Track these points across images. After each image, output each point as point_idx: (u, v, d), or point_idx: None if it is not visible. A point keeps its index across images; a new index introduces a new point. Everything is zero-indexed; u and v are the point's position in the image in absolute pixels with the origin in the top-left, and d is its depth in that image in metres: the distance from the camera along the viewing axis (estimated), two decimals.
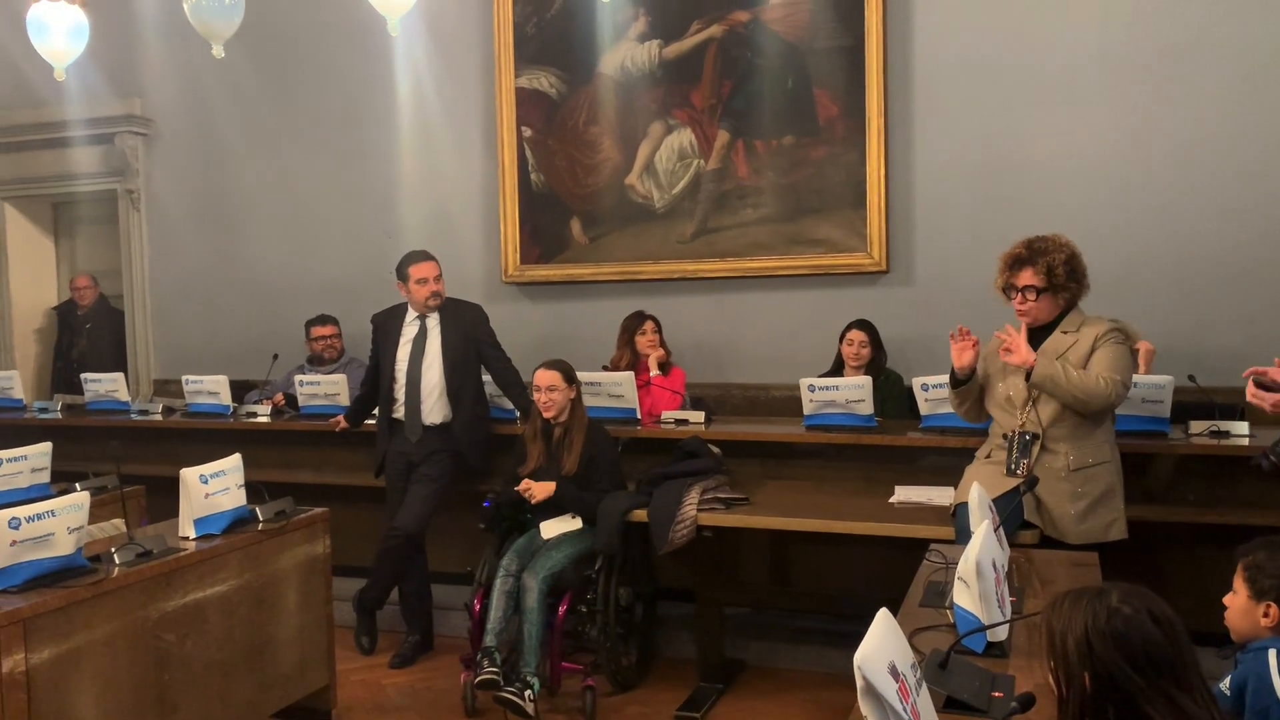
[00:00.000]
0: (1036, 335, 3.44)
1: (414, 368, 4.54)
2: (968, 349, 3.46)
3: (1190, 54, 4.76)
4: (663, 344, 5.11)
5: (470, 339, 4.61)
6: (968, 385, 3.53)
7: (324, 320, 5.80)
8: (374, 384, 4.73)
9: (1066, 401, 3.31)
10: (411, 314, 4.62)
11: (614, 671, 4.11)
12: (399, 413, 4.58)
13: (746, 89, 5.44)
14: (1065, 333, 3.40)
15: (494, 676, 3.73)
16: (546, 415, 4.17)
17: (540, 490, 4.06)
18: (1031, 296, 3.36)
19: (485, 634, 3.86)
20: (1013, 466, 3.36)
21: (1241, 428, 3.99)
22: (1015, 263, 3.39)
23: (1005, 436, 3.42)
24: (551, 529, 4.09)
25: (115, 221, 7.02)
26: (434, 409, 4.55)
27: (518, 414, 4.74)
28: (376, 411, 4.74)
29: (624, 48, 5.65)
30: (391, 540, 4.46)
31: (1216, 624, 2.24)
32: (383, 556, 4.50)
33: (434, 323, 4.59)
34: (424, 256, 4.59)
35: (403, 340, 4.59)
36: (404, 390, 4.55)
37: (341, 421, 4.94)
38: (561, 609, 3.93)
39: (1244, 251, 4.71)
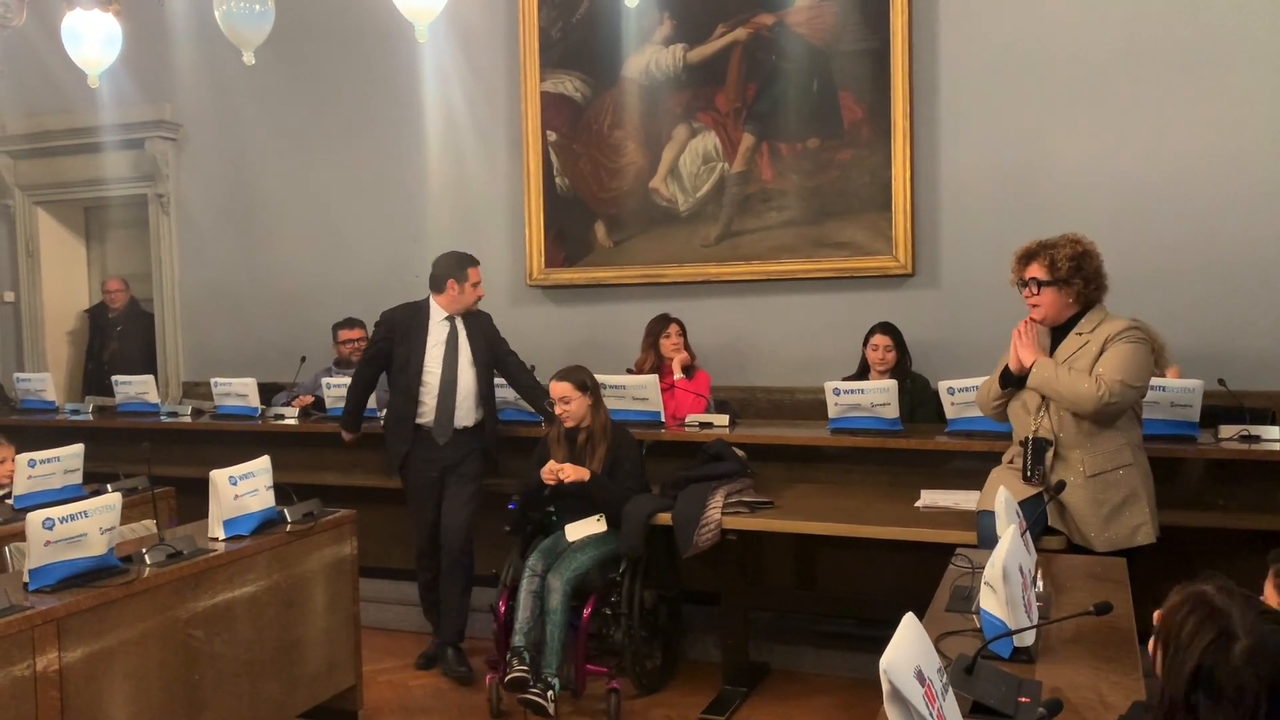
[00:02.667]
0: (1056, 337, 3.40)
1: (449, 370, 4.49)
2: (1033, 347, 3.38)
3: (1217, 56, 4.72)
4: (687, 347, 5.11)
5: (492, 344, 4.62)
6: (1015, 386, 3.44)
7: (351, 324, 5.84)
8: (371, 383, 4.68)
9: (1060, 403, 3.27)
10: (439, 315, 4.55)
11: (638, 674, 4.11)
12: (425, 416, 4.51)
13: (771, 92, 5.44)
14: (1079, 334, 3.35)
15: (524, 675, 3.74)
16: (566, 425, 4.18)
17: (573, 471, 4.05)
18: (1034, 289, 3.34)
19: (513, 634, 3.87)
20: (1028, 474, 3.32)
21: (1273, 432, 3.95)
22: (1025, 256, 3.39)
23: (1021, 443, 3.39)
24: (576, 531, 4.10)
25: (145, 226, 7.11)
26: (468, 412, 4.53)
27: (543, 419, 4.75)
28: (380, 410, 4.63)
29: (648, 51, 5.67)
30: (451, 558, 4.44)
31: None
32: (450, 573, 4.45)
33: (461, 325, 4.56)
34: (475, 259, 4.59)
35: (431, 341, 4.51)
36: (436, 393, 4.49)
37: (347, 435, 4.83)
38: (586, 611, 3.94)
39: (1274, 254, 4.66)
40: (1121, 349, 3.25)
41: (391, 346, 4.58)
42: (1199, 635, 1.49)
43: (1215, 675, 1.45)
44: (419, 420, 4.52)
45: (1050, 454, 3.30)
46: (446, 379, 4.50)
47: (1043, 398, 3.33)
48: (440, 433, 4.50)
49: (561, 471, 4.05)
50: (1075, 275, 3.30)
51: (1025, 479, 3.32)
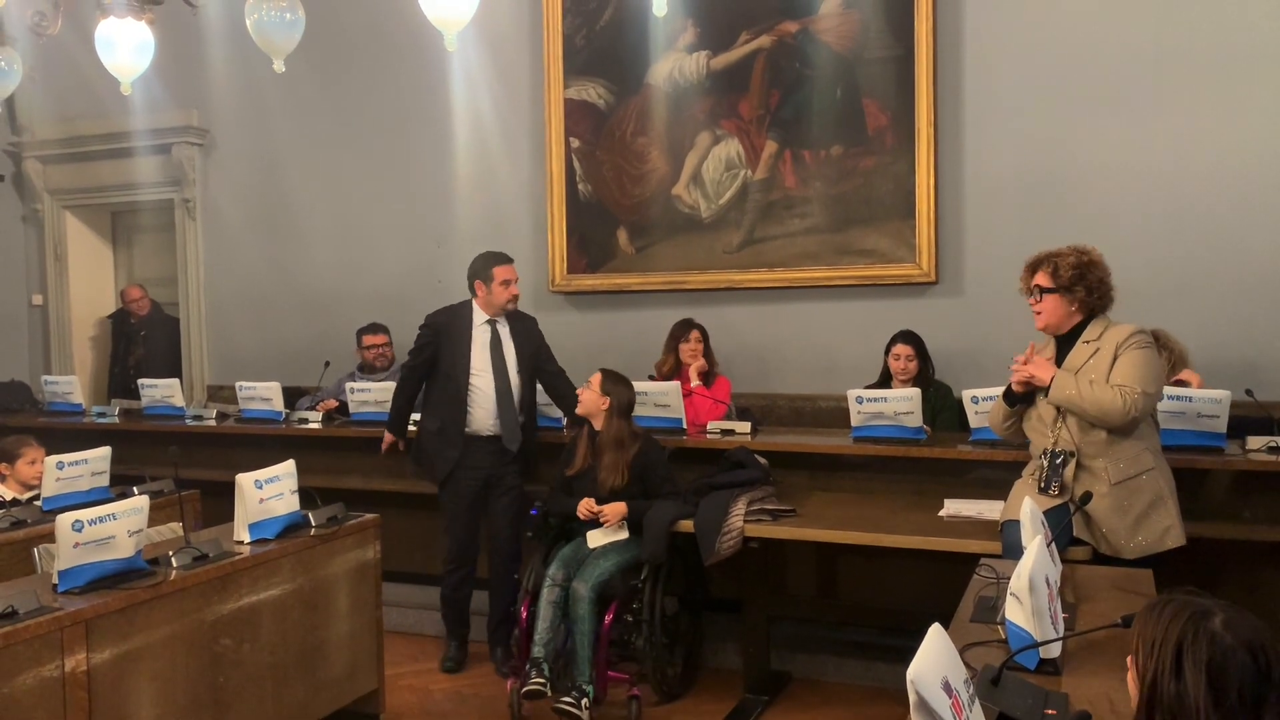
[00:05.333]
0: (1062, 347, 3.42)
1: (500, 376, 4.45)
2: (1045, 364, 3.40)
3: (1244, 63, 4.69)
4: (707, 354, 5.10)
5: (534, 351, 4.60)
6: (1023, 403, 3.48)
7: (375, 329, 5.87)
8: (417, 388, 4.64)
9: (1086, 418, 3.27)
10: (481, 317, 4.51)
11: (659, 681, 4.11)
12: (482, 425, 4.45)
13: (795, 99, 5.44)
14: (1087, 342, 3.36)
15: (541, 687, 3.76)
16: (576, 411, 4.22)
17: (613, 513, 4.07)
18: (1038, 296, 3.40)
19: (533, 645, 3.89)
20: (1043, 486, 3.32)
21: None
22: (1032, 265, 3.46)
23: (1039, 456, 3.38)
24: (598, 538, 4.10)
25: (172, 230, 7.17)
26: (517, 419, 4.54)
27: (564, 424, 4.78)
28: (424, 417, 4.64)
29: (672, 58, 5.68)
30: (494, 572, 4.49)
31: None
32: (500, 587, 4.51)
33: (504, 330, 4.53)
34: (507, 258, 4.53)
35: (476, 346, 4.47)
36: (494, 399, 4.44)
37: (389, 437, 4.79)
38: (608, 618, 3.94)
39: None
40: (1135, 356, 3.27)
41: (436, 351, 4.53)
42: (1176, 619, 1.54)
43: (1198, 643, 1.50)
44: (467, 430, 4.46)
45: (1072, 466, 3.30)
46: (501, 386, 4.45)
47: (1058, 410, 3.34)
48: (510, 440, 4.46)
49: (601, 515, 4.07)
50: (1078, 283, 3.35)
51: (1042, 490, 3.31)
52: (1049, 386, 3.32)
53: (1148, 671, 1.55)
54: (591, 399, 4.19)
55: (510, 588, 4.47)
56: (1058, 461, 3.31)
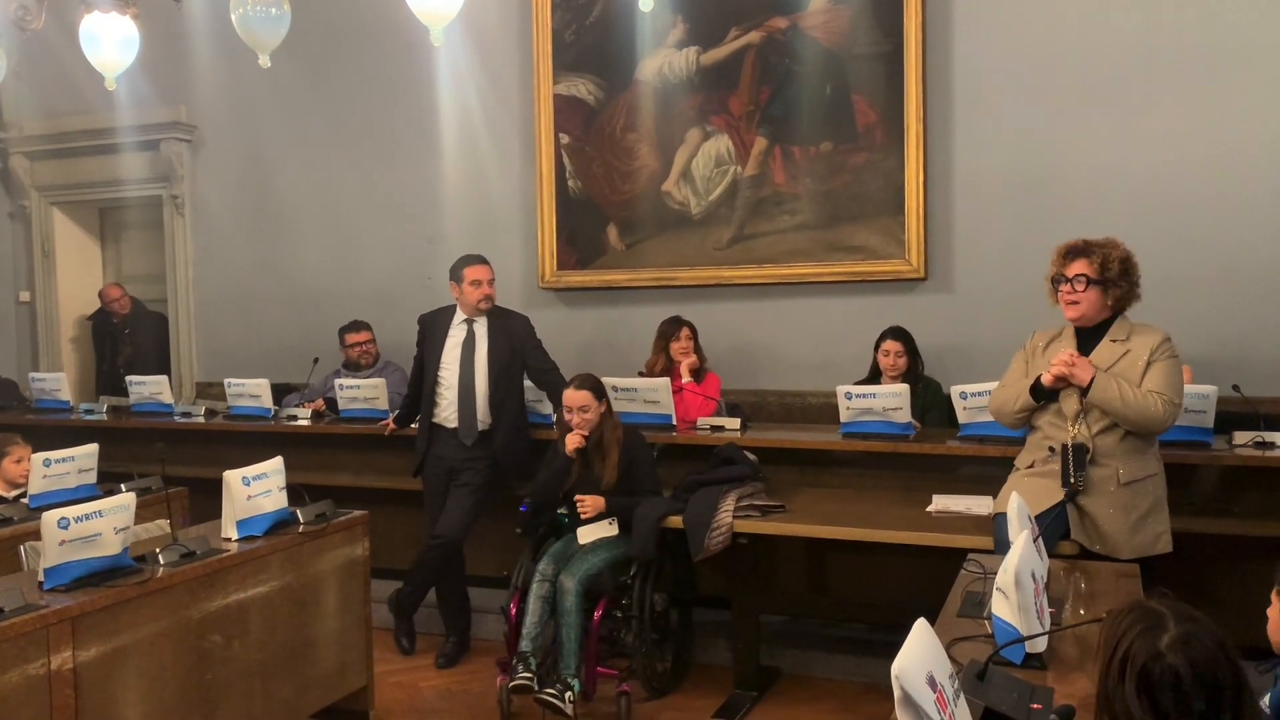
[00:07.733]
0: (1086, 342, 3.35)
1: (466, 373, 4.55)
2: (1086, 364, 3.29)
3: (1234, 58, 4.70)
4: (697, 350, 5.11)
5: (517, 351, 4.62)
6: (1049, 399, 3.38)
7: (357, 326, 5.84)
8: (417, 381, 4.76)
9: (1123, 422, 3.22)
10: (459, 317, 4.63)
11: (649, 677, 4.11)
12: (445, 417, 4.58)
13: (784, 95, 5.44)
14: (1114, 341, 3.31)
15: (528, 682, 3.75)
16: (580, 434, 4.16)
17: (593, 504, 4.06)
18: (1080, 286, 3.26)
19: (521, 639, 3.88)
20: (1068, 479, 3.24)
21: None
22: (1071, 252, 3.32)
23: (1052, 449, 3.33)
24: (588, 534, 4.09)
25: (160, 227, 7.14)
26: (481, 416, 4.57)
27: (554, 416, 4.78)
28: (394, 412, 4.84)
29: (662, 54, 5.67)
30: (433, 549, 4.49)
31: (1260, 637, 2.21)
32: (422, 563, 4.54)
33: (481, 329, 4.60)
34: (479, 259, 4.62)
35: (449, 344, 4.60)
36: (456, 393, 4.55)
37: (390, 424, 4.96)
38: (597, 614, 3.94)
39: None
40: (1169, 365, 3.25)
41: (423, 348, 4.71)
42: (1131, 627, 1.55)
43: (1140, 660, 1.51)
44: (434, 420, 4.61)
45: (1087, 460, 3.25)
46: (464, 381, 4.54)
47: (1081, 406, 3.27)
48: (466, 433, 4.56)
49: (580, 505, 4.06)
50: (1123, 278, 3.26)
51: (1065, 484, 3.25)
52: (1088, 387, 3.22)
53: (1099, 674, 1.57)
54: (596, 415, 4.11)
55: (430, 575, 4.54)
56: (1080, 455, 3.24)
